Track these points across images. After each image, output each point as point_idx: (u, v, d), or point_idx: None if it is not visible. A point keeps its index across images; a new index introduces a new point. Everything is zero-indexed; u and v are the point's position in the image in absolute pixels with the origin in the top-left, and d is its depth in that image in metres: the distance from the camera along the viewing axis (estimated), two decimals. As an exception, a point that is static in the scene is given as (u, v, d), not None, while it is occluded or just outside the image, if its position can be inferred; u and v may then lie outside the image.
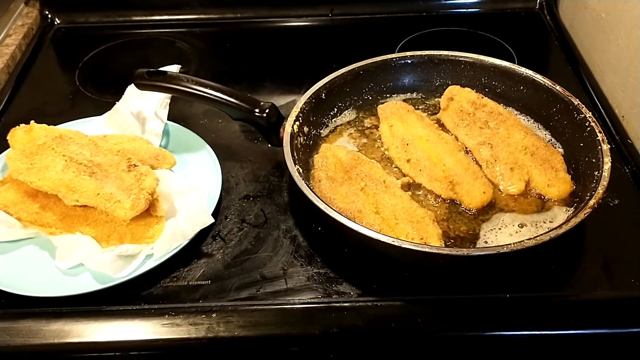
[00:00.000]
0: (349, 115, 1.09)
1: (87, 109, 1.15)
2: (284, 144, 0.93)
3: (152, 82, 0.98)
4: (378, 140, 1.04)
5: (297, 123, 0.97)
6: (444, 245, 0.84)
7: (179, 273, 0.85)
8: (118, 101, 1.08)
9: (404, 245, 0.77)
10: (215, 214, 0.91)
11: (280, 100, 1.12)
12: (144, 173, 0.89)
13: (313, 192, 0.85)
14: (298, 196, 0.89)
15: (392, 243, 0.77)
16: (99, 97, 1.21)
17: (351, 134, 1.06)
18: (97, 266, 0.83)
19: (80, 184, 0.86)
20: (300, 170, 0.90)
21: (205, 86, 0.98)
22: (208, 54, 1.34)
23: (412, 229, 0.85)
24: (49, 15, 1.44)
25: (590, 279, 0.84)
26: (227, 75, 1.23)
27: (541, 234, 0.78)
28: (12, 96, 1.22)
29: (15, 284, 0.82)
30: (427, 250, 0.77)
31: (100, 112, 1.09)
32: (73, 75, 1.27)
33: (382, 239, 0.78)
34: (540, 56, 1.32)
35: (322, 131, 1.06)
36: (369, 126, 1.07)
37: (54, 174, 0.87)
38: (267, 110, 0.98)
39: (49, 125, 0.95)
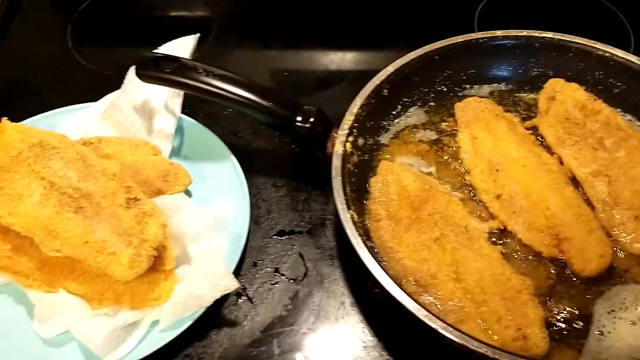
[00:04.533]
0: (416, 114, 0.84)
1: (81, 83, 0.95)
2: (333, 175, 0.70)
3: (159, 73, 0.74)
4: (455, 153, 0.79)
5: (351, 138, 0.73)
6: (546, 336, 0.62)
7: (193, 350, 0.66)
8: (118, 84, 0.83)
9: (502, 360, 0.55)
10: (241, 257, 0.69)
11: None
12: (148, 212, 0.67)
13: (371, 242, 0.63)
14: (349, 244, 0.67)
15: (485, 353, 0.56)
16: (97, 67, 0.97)
17: (419, 143, 0.81)
18: (85, 337, 0.64)
19: (62, 226, 0.66)
20: (355, 218, 0.67)
21: (231, 82, 0.73)
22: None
23: (506, 312, 0.63)
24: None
25: None
26: (257, 41, 0.97)
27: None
28: (-13, 61, 0.98)
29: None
30: (534, 368, 0.56)
31: (96, 89, 0.87)
32: (64, 34, 1.02)
33: (469, 345, 0.56)
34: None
35: (381, 138, 0.81)
36: (444, 130, 0.83)
37: (29, 207, 0.67)
38: (311, 119, 0.73)
39: (27, 114, 0.77)
